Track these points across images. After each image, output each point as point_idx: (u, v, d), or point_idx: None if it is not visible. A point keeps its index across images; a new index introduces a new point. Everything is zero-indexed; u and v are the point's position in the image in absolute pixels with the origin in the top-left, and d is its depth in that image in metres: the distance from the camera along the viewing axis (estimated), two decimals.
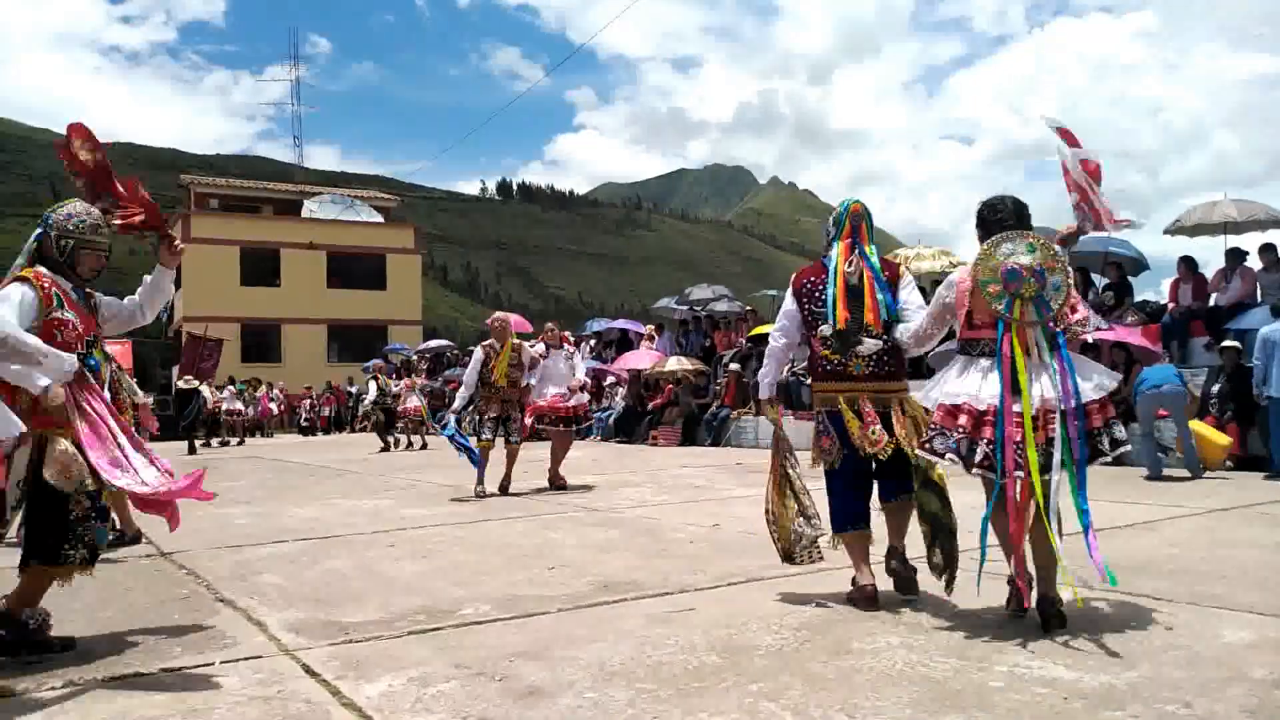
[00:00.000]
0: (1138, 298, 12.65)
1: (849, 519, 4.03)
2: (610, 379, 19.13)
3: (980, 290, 3.53)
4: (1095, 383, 3.50)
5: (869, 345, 3.96)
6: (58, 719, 2.78)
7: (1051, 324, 3.49)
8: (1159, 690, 2.75)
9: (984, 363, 3.56)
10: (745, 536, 5.99)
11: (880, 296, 3.98)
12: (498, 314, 9.08)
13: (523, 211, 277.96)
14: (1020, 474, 3.38)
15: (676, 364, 16.88)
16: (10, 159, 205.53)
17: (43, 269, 3.60)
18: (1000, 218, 3.68)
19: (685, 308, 20.25)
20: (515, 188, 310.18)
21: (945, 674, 2.97)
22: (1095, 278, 13.08)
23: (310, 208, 40.39)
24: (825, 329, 4.00)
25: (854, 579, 3.98)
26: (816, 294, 4.08)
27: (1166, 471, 8.79)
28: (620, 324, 22.79)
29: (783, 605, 3.97)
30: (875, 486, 4.11)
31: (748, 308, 18.47)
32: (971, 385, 3.55)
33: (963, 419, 3.52)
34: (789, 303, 4.20)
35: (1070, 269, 3.56)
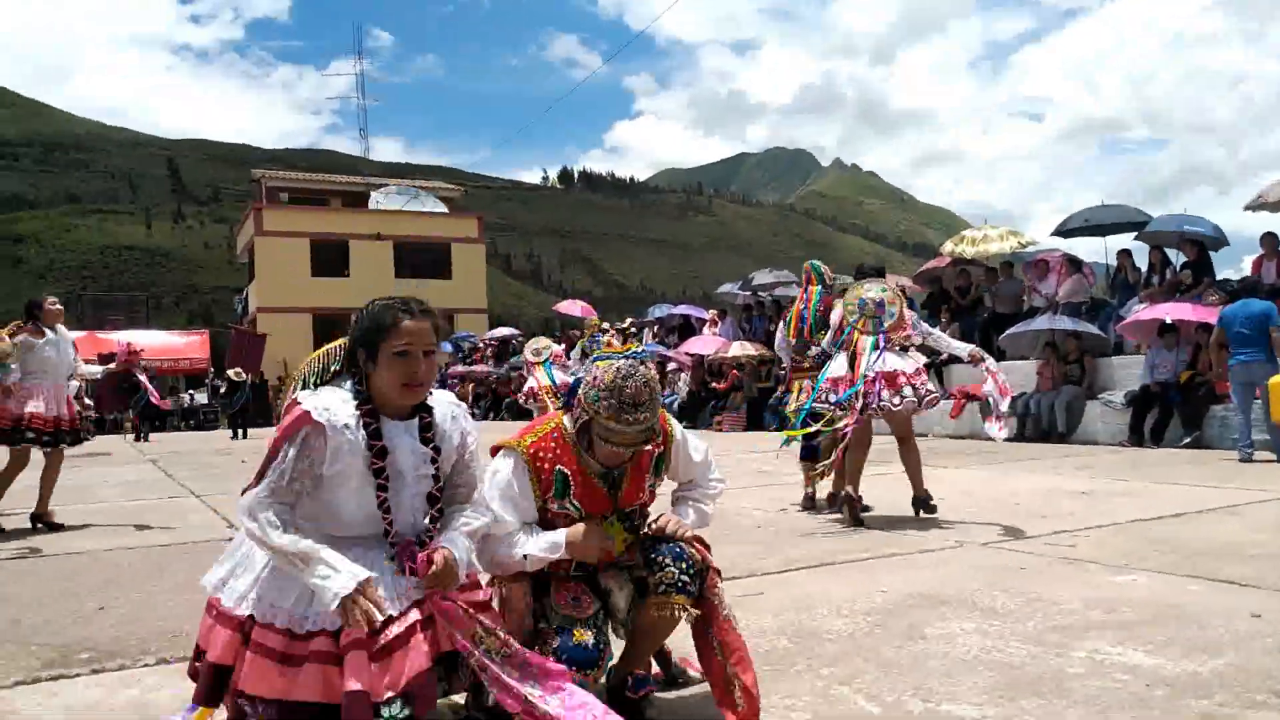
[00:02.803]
0: (1217, 276, 12.24)
1: (805, 455, 6.52)
2: (673, 365, 19.13)
3: (844, 310, 5.87)
4: (907, 363, 5.73)
5: (812, 349, 6.40)
6: (154, 693, 2.90)
7: (880, 335, 5.68)
8: (1248, 679, 2.68)
9: (841, 355, 5.86)
10: (810, 521, 5.97)
11: (812, 321, 6.43)
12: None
13: (584, 199, 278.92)
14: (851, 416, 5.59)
15: (740, 349, 16.83)
16: (90, 157, 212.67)
17: (563, 429, 2.54)
18: (866, 272, 6.28)
19: (748, 293, 20.15)
20: (576, 175, 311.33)
21: (1021, 660, 2.93)
22: (1171, 254, 12.68)
23: (377, 199, 41.04)
24: (792, 340, 6.56)
25: (807, 492, 6.49)
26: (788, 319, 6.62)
27: (1258, 455, 8.53)
28: (682, 309, 22.76)
29: (852, 590, 3.95)
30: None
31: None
32: (839, 369, 5.84)
33: (839, 385, 5.75)
34: (782, 325, 6.76)
35: (906, 306, 5.92)
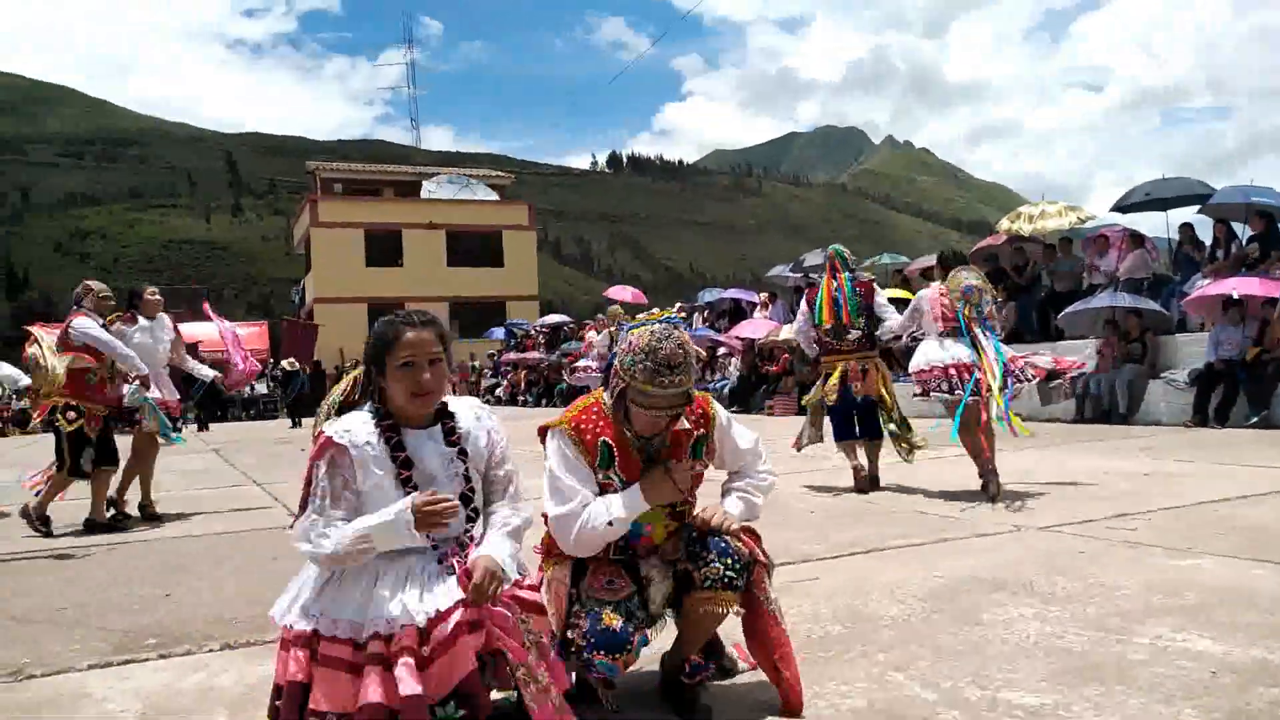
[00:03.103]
0: None
1: (842, 435, 6.75)
2: (723, 349, 19.06)
3: (950, 299, 6.06)
4: (1012, 350, 6.12)
5: (852, 332, 6.58)
6: (219, 676, 2.98)
7: (987, 321, 6.02)
8: None
9: (949, 340, 6.05)
10: (865, 506, 5.93)
11: (850, 306, 6.55)
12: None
13: (633, 183, 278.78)
14: (976, 397, 5.81)
15: (790, 332, 16.69)
16: (150, 152, 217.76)
17: (601, 403, 2.57)
18: (951, 262, 6.57)
19: (799, 275, 19.97)
20: (625, 160, 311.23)
21: (1082, 646, 2.87)
22: (1238, 228, 12.29)
23: (429, 188, 41.44)
24: (826, 325, 6.66)
25: (853, 466, 6.61)
26: (814, 304, 6.71)
27: None
28: (732, 293, 22.62)
29: (907, 575, 3.91)
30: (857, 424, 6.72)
31: (867, 275, 18.04)
32: (946, 355, 6.02)
33: (951, 372, 5.96)
34: (804, 307, 6.84)
35: (992, 290, 6.28)
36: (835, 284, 6.63)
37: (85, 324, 6.21)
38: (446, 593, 2.22)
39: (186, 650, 3.30)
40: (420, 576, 2.26)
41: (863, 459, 6.64)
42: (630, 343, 2.42)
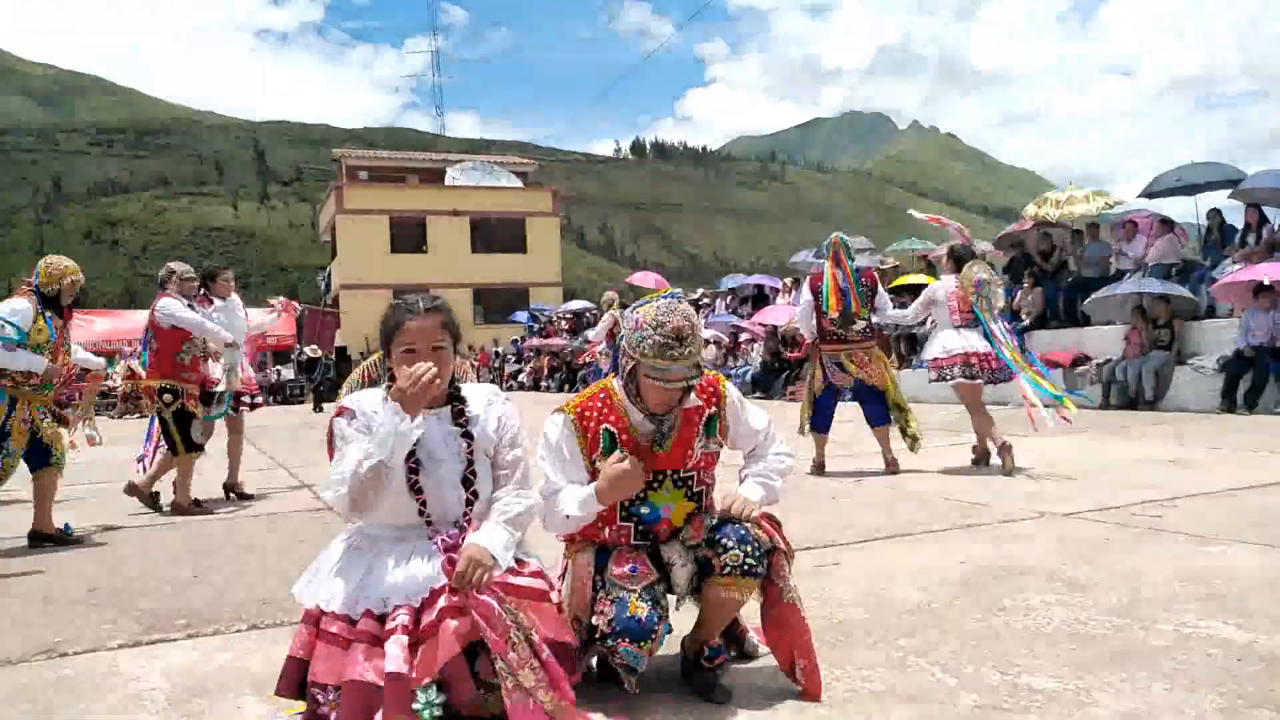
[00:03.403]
0: None
1: (820, 427, 6.87)
2: (746, 335, 19.01)
3: (964, 292, 6.41)
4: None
5: (859, 323, 6.66)
6: (246, 657, 3.02)
7: (995, 310, 6.36)
8: None
9: (965, 330, 6.45)
10: (887, 491, 5.91)
11: (855, 295, 6.61)
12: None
13: (657, 170, 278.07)
14: (980, 381, 6.39)
15: (795, 319, 16.59)
16: (180, 141, 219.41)
17: (611, 390, 2.58)
18: (963, 256, 6.66)
19: (823, 260, 19.86)
20: (648, 146, 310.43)
21: (1105, 632, 2.86)
22: (1270, 213, 12.09)
23: (453, 175, 41.52)
24: (834, 314, 6.65)
25: (819, 449, 6.86)
26: (819, 291, 6.70)
27: None
28: (755, 279, 22.55)
29: (929, 561, 3.90)
30: (863, 413, 6.91)
31: (891, 261, 17.93)
32: (962, 342, 6.43)
33: (973, 360, 6.36)
34: (807, 294, 6.85)
35: (999, 282, 6.62)
36: (841, 273, 6.68)
37: (171, 305, 6.30)
38: (440, 574, 2.28)
39: (215, 631, 3.35)
40: (418, 558, 2.33)
41: (827, 453, 6.89)
42: (637, 319, 2.43)
